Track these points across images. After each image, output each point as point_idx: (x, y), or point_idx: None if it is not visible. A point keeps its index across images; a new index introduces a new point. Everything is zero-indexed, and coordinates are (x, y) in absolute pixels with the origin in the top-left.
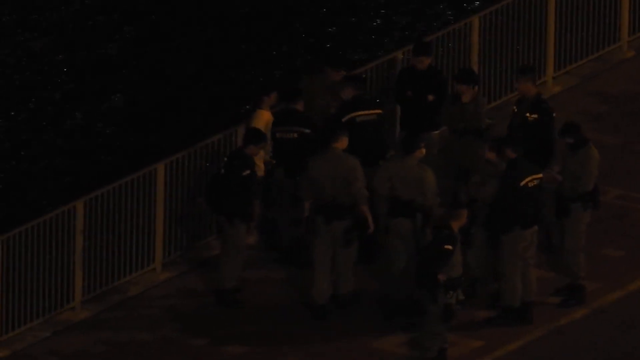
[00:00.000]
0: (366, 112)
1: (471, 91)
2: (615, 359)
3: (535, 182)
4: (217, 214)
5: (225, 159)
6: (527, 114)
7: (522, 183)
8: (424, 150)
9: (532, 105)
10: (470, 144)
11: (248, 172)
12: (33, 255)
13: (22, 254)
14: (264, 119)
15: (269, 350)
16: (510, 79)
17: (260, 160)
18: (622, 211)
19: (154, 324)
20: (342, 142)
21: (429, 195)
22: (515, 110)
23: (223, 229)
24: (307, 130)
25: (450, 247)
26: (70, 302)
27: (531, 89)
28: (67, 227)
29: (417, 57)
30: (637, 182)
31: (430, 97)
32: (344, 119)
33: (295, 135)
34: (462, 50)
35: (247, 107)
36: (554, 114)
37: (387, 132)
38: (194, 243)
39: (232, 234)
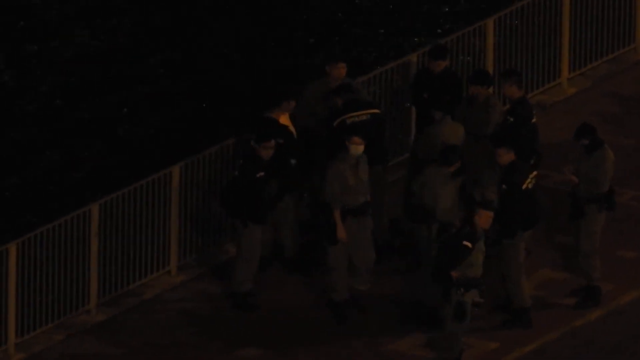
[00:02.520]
0: (357, 113)
1: (485, 92)
2: None
3: (533, 182)
4: (232, 217)
5: (240, 161)
6: (508, 117)
7: (524, 186)
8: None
9: (511, 108)
10: (486, 146)
11: (262, 174)
12: (48, 259)
13: (37, 258)
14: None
15: (284, 353)
16: (526, 80)
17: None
18: (638, 212)
19: (169, 327)
20: (350, 146)
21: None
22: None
23: (237, 231)
24: (281, 141)
25: (468, 244)
26: (85, 305)
27: (515, 92)
28: (82, 230)
29: (435, 61)
30: None
31: (446, 99)
32: (335, 123)
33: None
34: (477, 52)
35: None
36: (533, 120)
37: (396, 132)
38: (209, 246)
39: (247, 237)
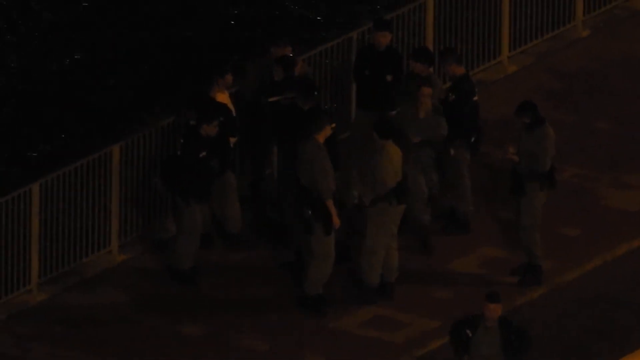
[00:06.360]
0: (294, 93)
1: (426, 71)
2: (573, 338)
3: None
4: (173, 195)
5: (182, 140)
6: (449, 94)
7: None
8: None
9: (453, 85)
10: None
11: (204, 153)
12: None
13: None
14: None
15: (228, 330)
16: (466, 59)
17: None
18: (579, 190)
19: (111, 305)
20: (323, 133)
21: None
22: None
23: (179, 209)
24: (222, 118)
25: (469, 332)
26: (26, 284)
27: (457, 70)
28: (23, 209)
29: (379, 32)
30: (593, 160)
31: (389, 77)
32: (270, 100)
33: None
34: (417, 30)
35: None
36: (475, 98)
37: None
38: (150, 224)
39: (188, 214)
